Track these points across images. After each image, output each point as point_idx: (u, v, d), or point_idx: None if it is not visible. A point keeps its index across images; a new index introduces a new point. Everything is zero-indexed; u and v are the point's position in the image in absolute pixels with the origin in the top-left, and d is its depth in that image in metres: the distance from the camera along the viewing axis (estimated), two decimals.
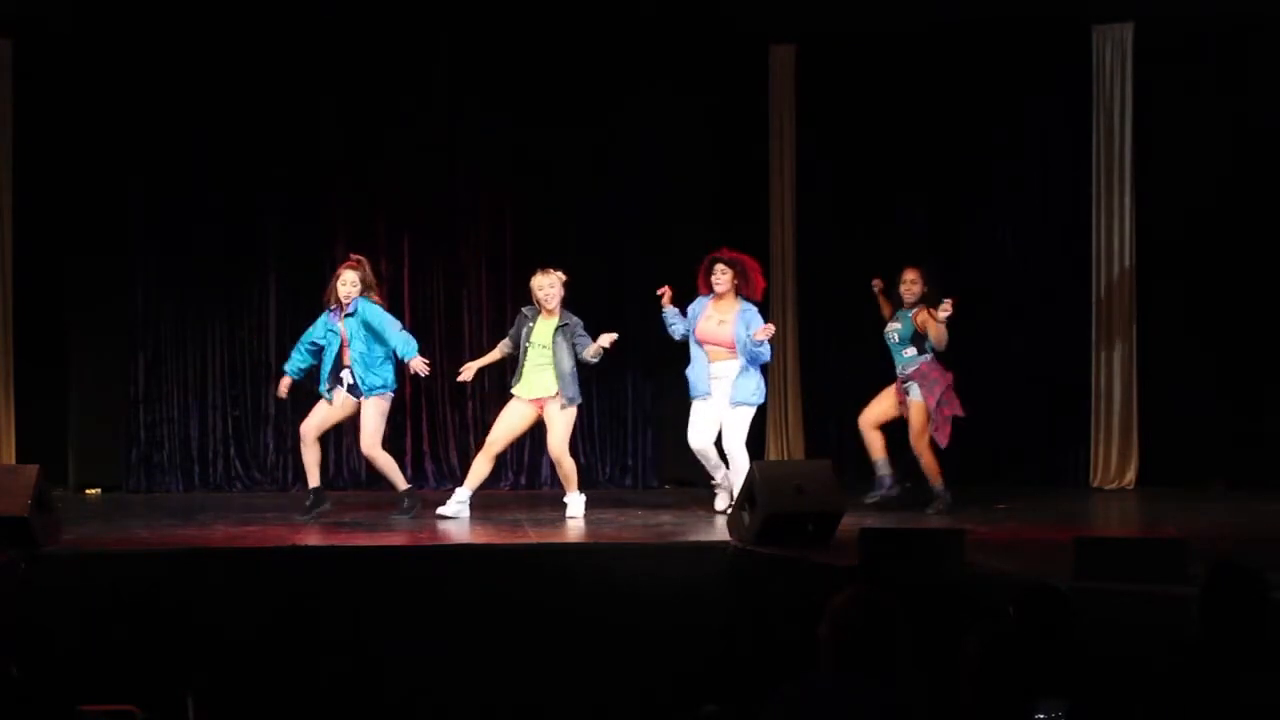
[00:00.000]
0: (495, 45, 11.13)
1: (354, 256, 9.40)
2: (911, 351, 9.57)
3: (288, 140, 11.03)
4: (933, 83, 11.35)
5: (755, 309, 9.43)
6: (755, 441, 11.12)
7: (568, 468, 9.35)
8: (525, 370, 9.29)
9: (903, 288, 9.66)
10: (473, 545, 8.23)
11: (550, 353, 9.20)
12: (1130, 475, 11.19)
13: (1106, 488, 11.14)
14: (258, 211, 11.05)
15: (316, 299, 9.50)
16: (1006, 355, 11.44)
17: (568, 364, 9.19)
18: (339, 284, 9.22)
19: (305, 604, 7.16)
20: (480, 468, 9.39)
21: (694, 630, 6.83)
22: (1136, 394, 11.21)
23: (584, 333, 9.25)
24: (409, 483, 9.52)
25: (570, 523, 9.09)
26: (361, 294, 9.22)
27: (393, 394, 9.36)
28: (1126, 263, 11.25)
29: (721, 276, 9.38)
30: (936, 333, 9.41)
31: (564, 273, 9.34)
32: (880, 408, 9.82)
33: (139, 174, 10.94)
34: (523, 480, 11.22)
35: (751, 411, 9.46)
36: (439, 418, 11.26)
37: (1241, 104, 11.04)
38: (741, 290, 9.39)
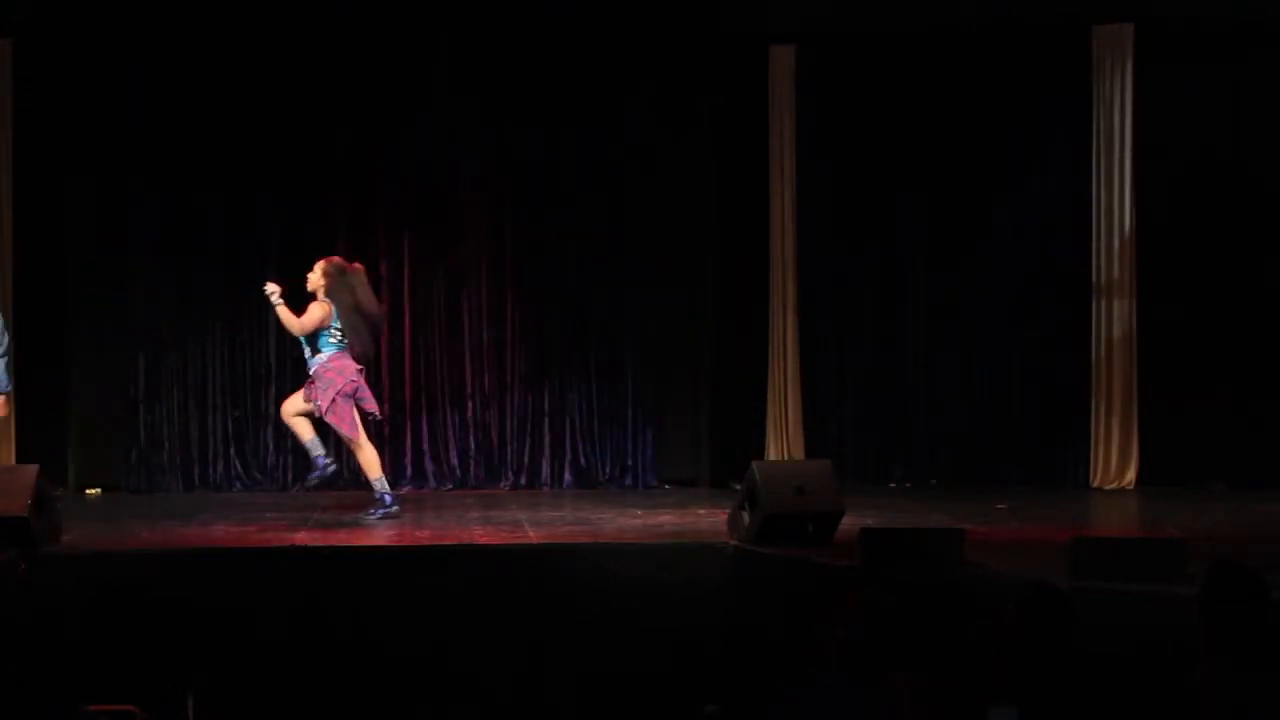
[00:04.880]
0: (495, 45, 11.13)
1: None
2: (307, 352, 9.10)
3: (288, 141, 11.02)
4: (932, 83, 11.34)
5: None
6: (755, 441, 11.19)
7: None
8: None
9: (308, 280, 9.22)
10: (473, 545, 8.23)
11: None
12: (1130, 475, 11.19)
13: (1106, 488, 11.14)
14: (258, 212, 11.05)
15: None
16: (1006, 355, 11.44)
17: None
18: None
19: (305, 604, 7.16)
20: None
21: (694, 630, 6.82)
22: (1136, 394, 11.21)
23: None
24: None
25: None
26: None
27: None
28: (1126, 262, 11.24)
29: None
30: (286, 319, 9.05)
31: None
32: (297, 401, 9.27)
33: (139, 174, 10.94)
34: (523, 480, 11.20)
35: None
36: (439, 418, 11.25)
37: (1240, 104, 11.04)
38: None
